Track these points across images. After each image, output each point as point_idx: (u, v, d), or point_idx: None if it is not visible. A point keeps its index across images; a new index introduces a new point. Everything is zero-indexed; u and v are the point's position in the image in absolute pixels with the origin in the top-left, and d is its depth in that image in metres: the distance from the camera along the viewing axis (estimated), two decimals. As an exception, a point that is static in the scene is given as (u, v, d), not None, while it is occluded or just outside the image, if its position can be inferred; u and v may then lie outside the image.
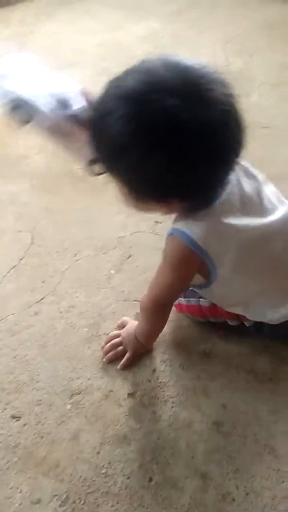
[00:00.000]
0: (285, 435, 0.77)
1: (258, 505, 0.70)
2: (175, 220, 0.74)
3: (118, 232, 1.15)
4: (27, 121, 0.76)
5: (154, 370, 0.87)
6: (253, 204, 0.73)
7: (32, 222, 1.18)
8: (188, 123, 0.57)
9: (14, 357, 0.90)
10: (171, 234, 0.73)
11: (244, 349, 0.90)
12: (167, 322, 0.91)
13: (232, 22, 2.17)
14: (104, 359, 0.88)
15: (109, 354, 0.88)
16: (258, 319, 0.83)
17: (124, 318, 0.93)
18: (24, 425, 0.80)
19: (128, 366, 0.87)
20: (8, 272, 1.06)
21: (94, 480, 0.74)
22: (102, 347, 0.90)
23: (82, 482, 0.73)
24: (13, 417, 0.81)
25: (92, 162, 0.86)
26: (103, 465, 0.75)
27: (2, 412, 0.82)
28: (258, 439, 0.77)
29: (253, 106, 1.59)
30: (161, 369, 0.87)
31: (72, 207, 1.22)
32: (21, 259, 1.09)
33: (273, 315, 0.81)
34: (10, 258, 1.09)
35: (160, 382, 0.86)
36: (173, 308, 0.92)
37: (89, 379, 0.86)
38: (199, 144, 0.59)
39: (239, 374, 0.86)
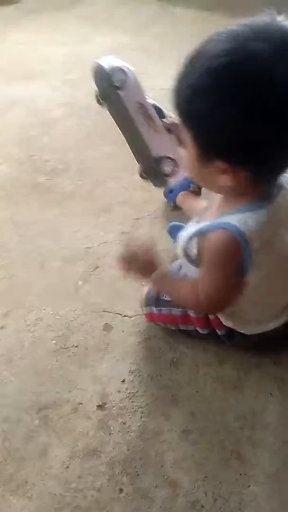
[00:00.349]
0: (251, 440, 0.79)
1: (225, 510, 0.72)
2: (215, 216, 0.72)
3: (85, 243, 1.15)
4: (121, 87, 0.94)
5: (123, 381, 0.88)
6: None
7: (-3, 235, 1.16)
8: (281, 81, 0.55)
9: (-21, 373, 0.88)
10: (218, 229, 0.68)
11: (210, 358, 0.91)
12: (138, 333, 0.93)
13: (194, 37, 2.21)
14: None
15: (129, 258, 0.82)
16: (236, 328, 0.85)
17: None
18: (-11, 444, 0.78)
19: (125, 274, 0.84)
20: (-26, 287, 1.04)
21: (63, 496, 0.73)
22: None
23: (51, 498, 0.73)
24: (-24, 436, 0.79)
25: (159, 160, 0.94)
26: (73, 480, 0.75)
27: None
28: (225, 445, 0.79)
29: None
30: (130, 379, 0.88)
31: (38, 219, 1.21)
32: (-15, 272, 1.07)
33: (254, 328, 0.83)
34: (-26, 271, 1.07)
35: (129, 392, 0.86)
36: (143, 317, 0.94)
37: (57, 392, 0.86)
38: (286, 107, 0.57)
39: (206, 383, 0.88)
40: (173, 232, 1.08)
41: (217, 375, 0.89)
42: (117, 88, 0.94)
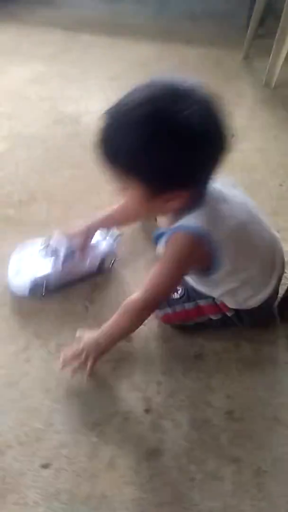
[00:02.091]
0: (284, 406, 0.90)
1: (285, 469, 0.82)
2: (170, 224, 0.85)
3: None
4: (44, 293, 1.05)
5: (159, 383, 0.94)
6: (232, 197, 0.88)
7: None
8: (193, 123, 0.70)
9: (20, 409, 0.88)
10: (174, 233, 0.82)
11: (226, 344, 1.01)
12: (157, 337, 0.99)
13: (108, 61, 2.36)
14: (69, 372, 0.89)
15: (75, 364, 0.89)
16: (240, 307, 0.96)
17: (81, 331, 0.96)
18: (57, 470, 0.79)
19: (94, 370, 0.90)
20: (-19, 327, 1.02)
21: (144, 497, 0.77)
22: (62, 360, 0.90)
23: (133, 503, 0.76)
24: (42, 466, 0.80)
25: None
26: (146, 481, 0.79)
27: (30, 465, 0.80)
28: (266, 415, 0.89)
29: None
30: (165, 380, 0.94)
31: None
32: (-10, 311, 1.05)
33: (252, 301, 0.95)
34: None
35: (168, 391, 0.92)
36: (159, 322, 1.01)
37: (103, 408, 0.89)
38: (203, 137, 0.72)
39: (230, 366, 0.97)
40: (157, 239, 1.17)
41: (237, 357, 0.99)
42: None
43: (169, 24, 2.84)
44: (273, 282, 0.96)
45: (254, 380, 0.95)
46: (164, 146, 0.71)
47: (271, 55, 2.08)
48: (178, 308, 0.99)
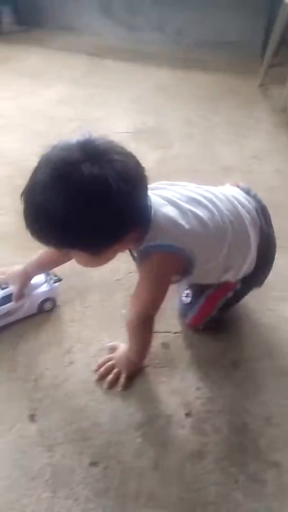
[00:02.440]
0: None
1: None
2: (138, 247, 0.87)
3: (113, 276, 1.23)
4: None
5: (198, 388, 0.97)
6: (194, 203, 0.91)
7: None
8: (111, 180, 0.71)
9: (68, 408, 0.91)
10: (148, 254, 0.85)
11: (261, 352, 1.05)
12: (192, 345, 1.03)
13: (129, 86, 2.46)
14: (104, 385, 0.94)
15: (108, 378, 0.95)
16: (242, 275, 1.01)
17: (113, 342, 1.02)
18: (105, 468, 0.82)
19: (127, 386, 0.94)
20: (25, 330, 1.06)
21: (190, 497, 0.79)
22: (95, 371, 0.96)
23: (181, 502, 0.79)
24: (92, 464, 0.82)
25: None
26: (192, 481, 0.82)
27: (78, 462, 0.82)
28: (302, 421, 0.92)
29: (179, 155, 1.84)
30: (204, 385, 0.98)
31: (61, 260, 1.26)
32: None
33: (246, 268, 1.00)
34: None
35: (208, 397, 0.95)
36: (189, 328, 1.06)
37: (146, 410, 0.92)
38: (127, 188, 0.73)
39: (265, 373, 1.01)
40: None
41: (271, 364, 1.03)
42: None
43: (186, 51, 2.97)
44: (253, 247, 0.98)
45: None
46: (84, 214, 0.72)
47: (287, 83, 2.18)
48: (196, 309, 1.05)
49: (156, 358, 1.02)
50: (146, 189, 0.81)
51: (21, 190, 1.49)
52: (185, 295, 1.09)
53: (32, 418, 0.88)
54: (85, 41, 3.02)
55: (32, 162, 1.67)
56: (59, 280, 1.11)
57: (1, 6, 2.93)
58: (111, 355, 0.98)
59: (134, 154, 0.78)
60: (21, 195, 0.76)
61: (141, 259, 0.88)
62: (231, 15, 2.88)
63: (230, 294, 1.04)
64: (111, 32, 3.13)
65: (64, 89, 2.33)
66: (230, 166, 1.79)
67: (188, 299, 1.07)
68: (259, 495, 0.81)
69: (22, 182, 1.48)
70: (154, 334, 1.07)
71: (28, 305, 1.06)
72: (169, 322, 1.11)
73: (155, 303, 0.91)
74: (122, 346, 0.99)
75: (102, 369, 0.96)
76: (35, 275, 1.07)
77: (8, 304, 1.02)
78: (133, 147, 1.92)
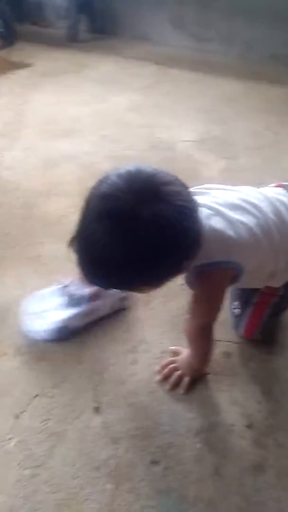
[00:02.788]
0: None
1: None
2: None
3: (176, 281, 1.24)
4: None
5: (259, 402, 0.96)
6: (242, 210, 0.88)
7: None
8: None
9: (131, 405, 0.93)
10: (202, 272, 0.84)
11: None
12: (253, 357, 1.03)
13: (197, 95, 2.49)
14: (166, 386, 0.96)
15: (171, 379, 0.96)
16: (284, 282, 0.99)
17: (177, 346, 1.03)
18: (166, 468, 0.83)
19: (189, 390, 0.96)
20: (92, 326, 1.09)
21: (249, 509, 0.79)
22: (159, 371, 0.97)
23: (239, 511, 0.78)
24: (152, 462, 0.84)
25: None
26: (252, 494, 0.81)
27: (140, 458, 0.84)
28: None
29: (244, 167, 1.84)
30: (264, 400, 0.96)
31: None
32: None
33: None
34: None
35: (270, 411, 0.94)
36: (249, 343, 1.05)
37: (207, 417, 0.92)
38: (188, 223, 0.71)
39: None
40: None
41: None
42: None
43: (254, 64, 2.96)
44: None
45: None
46: (149, 261, 0.70)
47: None
48: (246, 318, 1.05)
49: (217, 366, 1.02)
50: (197, 213, 0.76)
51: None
52: (234, 307, 1.09)
53: (97, 410, 0.91)
54: (156, 51, 3.09)
55: (102, 165, 1.75)
56: None
57: (79, 14, 3.06)
58: (174, 358, 1.00)
59: (178, 177, 0.75)
60: (71, 245, 0.75)
61: (196, 277, 0.86)
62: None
63: (276, 299, 1.03)
64: (181, 43, 3.18)
65: (134, 96, 2.40)
66: (298, 181, 1.76)
67: (238, 311, 1.07)
68: None
69: (93, 183, 1.54)
70: (216, 342, 1.08)
71: (105, 304, 1.10)
72: (231, 331, 1.10)
73: (213, 313, 0.91)
74: (186, 351, 1.00)
75: (166, 370, 0.98)
76: None
77: (87, 303, 1.06)
78: (198, 156, 1.95)
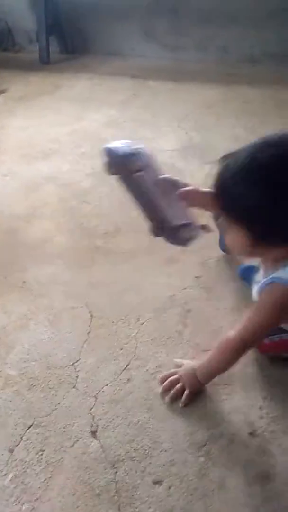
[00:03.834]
0: None
1: None
2: (267, 273, 0.87)
3: (167, 292, 1.23)
4: (139, 170, 0.92)
5: (260, 407, 0.93)
6: None
7: (83, 298, 1.21)
8: None
9: (128, 425, 0.90)
10: (271, 283, 0.84)
11: None
12: (252, 363, 1.00)
13: (175, 105, 2.49)
14: (166, 398, 0.94)
15: (171, 393, 0.94)
16: None
17: (182, 360, 1.01)
18: (169, 487, 0.80)
19: (188, 403, 0.93)
20: (82, 347, 1.07)
21: (258, 521, 0.76)
22: (160, 383, 0.95)
23: (249, 526, 0.75)
24: (155, 482, 0.81)
25: (177, 229, 0.97)
26: (259, 504, 0.78)
27: (141, 480, 0.81)
28: None
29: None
30: (267, 405, 0.94)
31: (116, 277, 1.28)
32: (88, 333, 1.11)
33: None
34: (78, 333, 1.11)
35: (272, 416, 0.92)
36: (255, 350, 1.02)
37: (208, 429, 0.90)
38: None
39: None
40: (243, 273, 1.20)
41: None
42: (134, 172, 0.93)
43: (230, 67, 2.97)
44: None
45: None
46: (278, 207, 0.73)
47: None
48: (275, 338, 0.99)
49: (215, 375, 1.00)
50: None
51: (75, 211, 1.54)
52: None
53: (93, 434, 0.88)
54: (130, 64, 3.11)
55: (83, 183, 1.72)
56: None
57: (49, 36, 3.08)
58: (176, 369, 0.97)
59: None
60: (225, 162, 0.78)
61: (265, 287, 0.86)
62: (276, 28, 2.87)
63: None
64: (155, 54, 3.21)
65: (111, 112, 2.40)
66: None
67: None
68: None
69: (76, 203, 1.54)
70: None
71: None
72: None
73: (262, 332, 0.89)
74: (188, 362, 0.97)
75: (166, 382, 0.95)
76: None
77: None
78: (181, 164, 1.93)
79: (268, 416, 0.92)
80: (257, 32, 2.94)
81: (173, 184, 0.97)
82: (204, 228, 0.96)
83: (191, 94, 2.62)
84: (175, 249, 1.35)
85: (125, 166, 0.92)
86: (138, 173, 0.93)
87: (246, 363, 1.02)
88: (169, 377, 0.96)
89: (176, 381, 0.95)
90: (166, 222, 0.95)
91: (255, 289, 0.95)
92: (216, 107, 2.44)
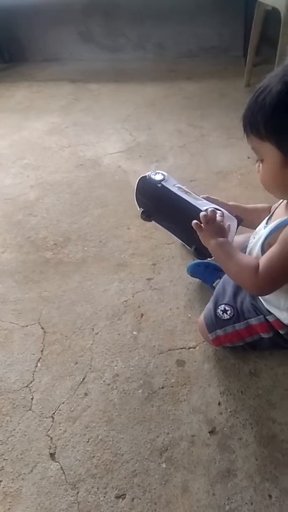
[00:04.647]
0: None
1: None
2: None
3: (119, 298, 1.21)
4: (162, 180, 0.99)
5: (219, 403, 0.94)
6: None
7: (34, 314, 1.18)
8: None
9: (88, 441, 0.88)
10: None
11: (280, 358, 1.01)
12: (209, 358, 1.00)
13: (118, 106, 2.48)
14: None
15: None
16: None
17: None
18: (133, 499, 0.79)
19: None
20: (36, 366, 1.04)
21: (224, 520, 0.76)
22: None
23: (214, 527, 0.75)
24: (117, 496, 0.80)
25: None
26: (224, 503, 0.78)
27: (104, 497, 0.80)
28: None
29: (174, 166, 1.83)
30: (225, 400, 0.94)
31: (66, 289, 1.25)
32: (42, 351, 1.08)
33: None
34: (31, 353, 1.08)
35: (230, 411, 0.92)
36: (206, 344, 1.02)
37: (168, 433, 0.89)
38: None
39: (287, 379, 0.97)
40: (193, 270, 1.21)
41: (293, 370, 0.99)
42: (159, 182, 0.99)
43: (169, 64, 2.99)
44: None
45: (315, 391, 0.94)
46: None
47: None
48: (229, 329, 0.99)
49: (172, 377, 0.99)
50: None
51: (21, 225, 1.50)
52: (222, 309, 1.01)
53: (52, 456, 0.86)
54: (69, 69, 3.07)
55: (28, 195, 1.68)
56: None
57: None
58: (220, 219, 0.91)
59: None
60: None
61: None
62: (211, 22, 2.91)
63: (269, 335, 0.97)
64: (94, 56, 3.18)
65: (53, 119, 2.37)
66: (226, 169, 1.78)
67: (226, 316, 1.00)
68: (296, 509, 0.77)
69: (22, 216, 1.51)
70: (167, 353, 1.05)
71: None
72: (182, 338, 1.08)
73: (280, 279, 0.83)
74: (229, 223, 0.93)
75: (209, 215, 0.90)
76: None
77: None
78: (126, 165, 1.92)
79: (227, 411, 0.92)
80: (192, 27, 2.97)
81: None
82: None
83: (133, 94, 2.62)
84: (124, 253, 1.35)
85: (151, 180, 1.00)
86: (163, 183, 0.99)
87: (203, 360, 1.03)
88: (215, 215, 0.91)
89: (212, 219, 0.90)
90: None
91: (256, 242, 0.91)
92: (158, 105, 2.44)
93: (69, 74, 2.95)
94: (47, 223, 1.54)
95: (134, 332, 1.11)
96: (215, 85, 2.59)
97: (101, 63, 3.10)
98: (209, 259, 0.99)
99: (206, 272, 1.21)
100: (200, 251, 0.98)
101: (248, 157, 1.86)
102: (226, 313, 1.00)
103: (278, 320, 0.97)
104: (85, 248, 1.41)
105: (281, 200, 0.91)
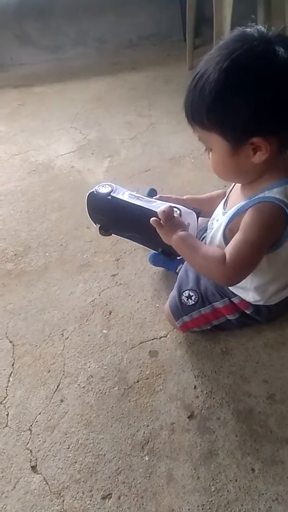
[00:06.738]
0: None
1: None
2: (250, 196, 0.82)
3: (86, 298, 1.20)
4: (111, 192, 0.99)
5: (195, 387, 0.94)
6: None
7: (1, 329, 1.16)
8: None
9: (68, 448, 0.87)
10: (259, 203, 0.78)
11: (249, 334, 1.02)
12: (180, 345, 1.00)
13: (65, 105, 2.44)
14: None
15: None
16: (263, 303, 0.96)
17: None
18: (119, 497, 0.79)
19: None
20: (8, 381, 1.02)
21: (211, 501, 0.76)
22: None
23: (203, 509, 0.75)
24: (103, 497, 0.79)
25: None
26: (210, 484, 0.79)
27: (90, 500, 0.79)
28: (306, 390, 0.89)
29: (127, 159, 1.82)
30: (200, 383, 0.94)
31: (31, 299, 1.23)
32: (13, 364, 1.06)
33: (276, 296, 0.95)
34: (1, 368, 1.06)
35: (206, 393, 0.92)
36: (176, 331, 1.02)
37: (147, 425, 0.89)
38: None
39: (259, 353, 0.98)
40: (154, 260, 1.21)
41: (262, 343, 1.00)
42: (108, 194, 0.99)
43: (111, 57, 2.96)
44: None
45: (285, 360, 0.95)
46: (234, 90, 0.70)
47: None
48: (195, 315, 0.99)
49: (146, 369, 0.99)
50: None
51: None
52: (186, 296, 1.01)
53: (33, 469, 0.85)
54: (11, 74, 3.01)
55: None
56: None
57: None
58: (178, 215, 0.92)
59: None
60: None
61: (251, 209, 0.79)
62: (147, 10, 2.88)
63: (236, 316, 0.99)
64: (35, 58, 3.12)
65: (0, 127, 2.31)
66: (179, 155, 1.77)
67: (191, 302, 0.99)
68: (280, 477, 0.78)
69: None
70: (139, 346, 1.04)
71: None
72: (152, 328, 1.08)
73: (251, 261, 0.81)
74: (192, 224, 0.93)
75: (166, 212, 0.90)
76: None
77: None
78: (79, 165, 1.89)
79: (203, 393, 0.93)
80: (130, 18, 2.94)
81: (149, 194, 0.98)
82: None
83: (78, 92, 2.58)
84: (86, 253, 1.34)
85: (99, 195, 0.99)
86: (112, 194, 0.98)
87: (175, 347, 1.03)
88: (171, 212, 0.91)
89: (169, 216, 0.90)
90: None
91: (217, 230, 0.90)
92: (104, 99, 2.42)
93: (12, 80, 2.88)
94: (5, 234, 1.51)
95: (104, 331, 1.10)
96: (159, 72, 2.58)
97: (44, 65, 3.05)
98: (178, 257, 0.99)
99: (167, 260, 1.21)
100: (167, 252, 0.98)
101: (199, 139, 1.86)
102: (191, 299, 1.00)
103: (243, 301, 0.97)
104: (47, 254, 1.39)
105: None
